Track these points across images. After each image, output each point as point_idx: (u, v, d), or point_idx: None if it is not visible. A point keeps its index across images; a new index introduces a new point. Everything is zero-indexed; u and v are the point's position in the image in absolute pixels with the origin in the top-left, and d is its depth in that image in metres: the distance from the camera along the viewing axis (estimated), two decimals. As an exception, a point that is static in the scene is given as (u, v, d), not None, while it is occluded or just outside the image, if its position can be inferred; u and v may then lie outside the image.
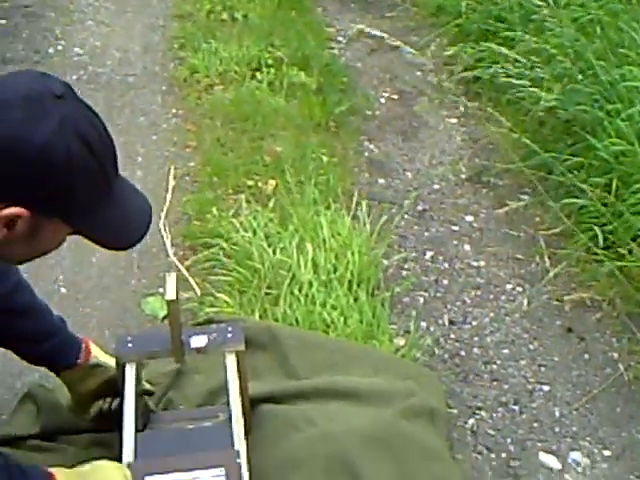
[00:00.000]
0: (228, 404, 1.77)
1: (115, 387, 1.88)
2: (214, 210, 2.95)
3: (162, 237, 2.88)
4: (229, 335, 1.87)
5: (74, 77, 3.94)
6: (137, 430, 1.69)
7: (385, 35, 4.63)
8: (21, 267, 2.64)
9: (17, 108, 1.30)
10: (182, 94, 3.87)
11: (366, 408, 2.07)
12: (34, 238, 1.40)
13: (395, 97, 4.04)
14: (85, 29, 4.47)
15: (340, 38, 4.62)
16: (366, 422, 2.00)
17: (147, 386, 2.02)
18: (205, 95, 3.83)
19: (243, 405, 1.77)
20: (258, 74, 3.95)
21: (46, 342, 1.88)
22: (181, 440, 1.73)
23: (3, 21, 4.43)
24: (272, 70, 3.96)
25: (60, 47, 4.24)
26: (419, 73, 4.28)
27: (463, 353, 2.52)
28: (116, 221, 1.46)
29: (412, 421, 2.05)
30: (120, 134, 3.48)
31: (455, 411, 2.30)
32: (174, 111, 3.74)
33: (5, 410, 2.16)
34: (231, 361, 1.84)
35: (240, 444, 1.63)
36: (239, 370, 1.83)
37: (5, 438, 1.99)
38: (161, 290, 2.62)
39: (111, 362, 1.91)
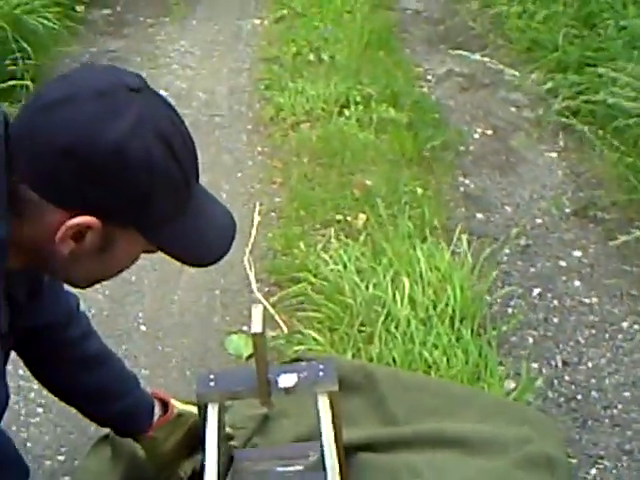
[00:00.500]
0: (321, 446, 1.56)
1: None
2: (301, 245, 2.79)
3: (246, 273, 2.73)
4: (321, 374, 1.67)
5: (159, 118, 3.85)
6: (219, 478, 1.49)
7: (477, 73, 4.46)
8: (99, 303, 2.58)
9: (88, 103, 1.12)
10: (268, 132, 3.76)
11: (477, 458, 1.83)
12: (106, 252, 1.20)
13: (489, 132, 3.85)
14: (171, 72, 4.42)
15: (429, 77, 4.48)
16: (478, 474, 1.77)
17: (229, 430, 1.83)
18: (291, 133, 3.71)
19: (338, 454, 1.55)
20: (346, 111, 3.81)
21: (117, 402, 1.70)
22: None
23: (89, 65, 4.39)
24: (360, 107, 3.82)
25: (146, 89, 4.16)
26: (514, 109, 4.09)
27: (580, 397, 2.28)
28: (197, 233, 1.26)
29: (529, 472, 1.80)
30: (205, 172, 3.30)
31: (575, 460, 2.05)
32: (260, 149, 3.62)
33: (79, 455, 2.02)
34: (323, 403, 1.63)
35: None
36: (332, 414, 1.61)
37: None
38: (245, 328, 2.47)
39: (193, 409, 1.73)
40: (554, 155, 3.64)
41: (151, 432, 1.72)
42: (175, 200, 1.20)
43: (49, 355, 1.64)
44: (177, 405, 1.78)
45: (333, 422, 1.60)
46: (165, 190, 1.17)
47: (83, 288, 1.34)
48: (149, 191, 1.15)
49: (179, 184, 1.19)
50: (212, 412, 1.63)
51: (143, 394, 1.74)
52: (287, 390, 1.65)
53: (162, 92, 3.96)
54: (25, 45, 3.92)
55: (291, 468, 1.59)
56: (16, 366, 1.67)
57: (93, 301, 2.56)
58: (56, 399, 2.16)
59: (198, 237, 1.26)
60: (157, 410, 1.74)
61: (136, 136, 1.12)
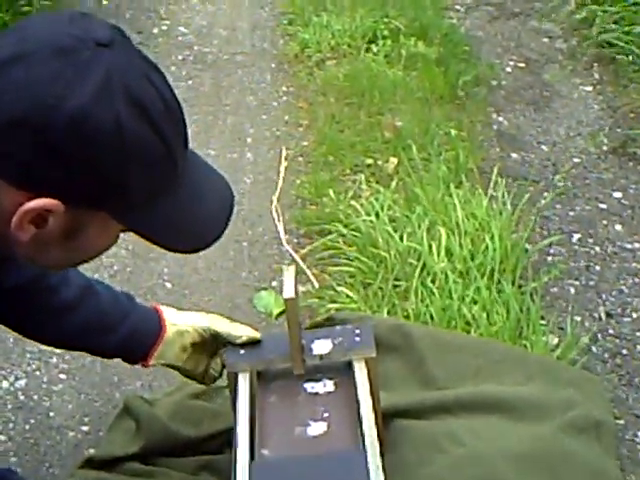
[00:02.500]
0: (359, 419, 1.48)
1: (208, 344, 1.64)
2: (331, 192, 2.68)
3: (275, 224, 2.63)
4: (357, 339, 1.59)
5: (179, 57, 3.75)
6: (252, 457, 1.42)
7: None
8: (122, 259, 2.50)
9: (44, 62, 0.94)
10: (293, 71, 3.63)
11: (521, 423, 1.75)
12: (73, 239, 1.05)
13: (522, 65, 3.71)
14: (190, 8, 4.27)
15: (458, 7, 4.30)
16: (522, 440, 1.69)
17: None
18: (317, 71, 3.57)
19: (376, 422, 1.47)
20: (373, 46, 3.67)
21: (110, 335, 1.57)
22: (305, 472, 1.43)
23: (105, 2, 4.26)
24: (388, 41, 3.68)
25: (164, 27, 4.05)
26: (546, 40, 3.93)
27: (625, 352, 2.18)
28: (185, 216, 1.10)
29: (575, 437, 1.73)
30: (228, 114, 3.28)
31: (622, 422, 1.96)
32: (284, 89, 3.50)
33: (103, 425, 1.95)
34: (360, 370, 1.55)
35: (377, 476, 1.34)
36: (370, 380, 1.53)
37: (102, 459, 1.76)
38: (274, 284, 2.38)
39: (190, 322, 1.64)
40: (589, 89, 3.49)
41: (151, 361, 1.62)
42: (154, 178, 1.04)
43: (29, 311, 1.51)
44: (176, 321, 1.64)
45: (371, 389, 1.53)
46: (140, 166, 1.00)
47: (54, 271, 1.22)
48: (120, 168, 0.99)
49: (159, 158, 1.02)
50: (243, 383, 1.56)
51: (136, 321, 1.60)
52: (322, 357, 1.58)
53: (182, 30, 3.89)
54: (41, -20, 3.80)
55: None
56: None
57: (116, 257, 2.48)
58: (80, 365, 2.13)
59: (187, 221, 1.11)
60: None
61: (102, 102, 0.95)
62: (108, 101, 0.95)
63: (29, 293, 1.48)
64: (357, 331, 1.60)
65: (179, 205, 1.08)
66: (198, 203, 1.12)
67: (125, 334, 1.58)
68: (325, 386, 1.57)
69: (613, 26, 3.70)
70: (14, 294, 1.42)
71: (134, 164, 0.99)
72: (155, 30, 4.01)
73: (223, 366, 1.68)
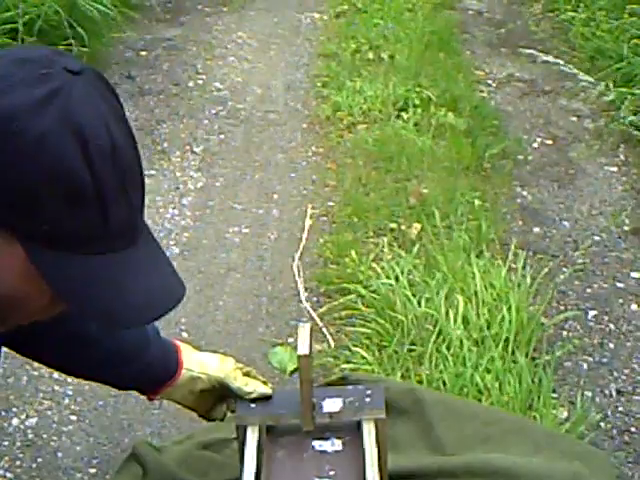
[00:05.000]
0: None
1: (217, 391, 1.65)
2: (353, 253, 2.73)
3: (295, 281, 2.67)
4: (367, 399, 1.60)
5: (213, 112, 3.84)
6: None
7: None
8: None
9: (1, 65, 0.90)
10: (323, 132, 3.70)
11: (526, 492, 1.76)
12: None
13: (549, 142, 3.77)
14: (227, 65, 4.38)
15: (489, 81, 4.40)
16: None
17: None
18: (347, 134, 3.65)
19: (382, 483, 1.48)
20: (404, 114, 3.75)
21: (131, 366, 1.57)
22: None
23: (144, 52, 4.38)
24: (419, 110, 3.77)
25: (200, 81, 4.14)
26: (574, 119, 4.00)
27: (634, 429, 2.19)
28: (102, 285, 0.96)
29: (580, 510, 1.73)
30: (257, 170, 3.35)
31: (627, 499, 1.97)
32: (314, 149, 3.57)
33: (111, 469, 1.96)
34: (369, 430, 1.57)
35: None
36: (378, 441, 1.55)
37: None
38: (291, 340, 2.41)
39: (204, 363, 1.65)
40: (614, 169, 3.54)
41: (157, 397, 1.63)
42: (76, 219, 0.91)
43: (50, 342, 1.49)
44: (191, 366, 1.64)
45: (379, 450, 1.54)
46: (60, 195, 0.89)
47: None
48: (34, 186, 0.88)
49: (83, 196, 0.91)
50: (251, 436, 1.57)
51: (153, 359, 1.58)
52: (331, 415, 1.59)
53: (217, 85, 4.00)
54: (80, 30, 3.91)
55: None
56: (50, 369, 1.63)
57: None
58: (91, 407, 2.15)
59: (105, 290, 0.97)
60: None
61: (37, 112, 0.88)
62: (43, 114, 0.88)
63: (50, 324, 1.48)
64: (368, 392, 1.62)
65: (103, 273, 0.96)
66: (126, 284, 0.98)
67: (139, 370, 1.59)
68: (333, 445, 1.58)
69: (640, 109, 3.77)
70: (34, 325, 1.42)
71: (51, 188, 0.89)
72: (191, 83, 4.11)
73: (225, 413, 1.71)
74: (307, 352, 1.47)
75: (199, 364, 1.66)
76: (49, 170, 0.88)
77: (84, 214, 0.92)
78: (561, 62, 4.44)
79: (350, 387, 1.67)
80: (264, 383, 1.64)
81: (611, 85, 4.09)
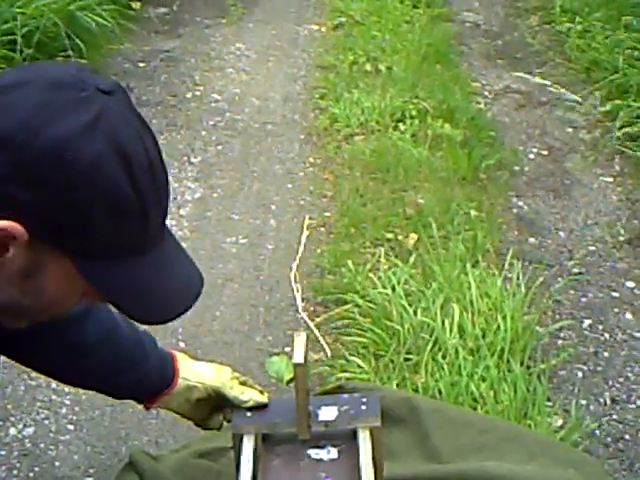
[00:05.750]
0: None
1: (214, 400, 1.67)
2: (349, 263, 2.74)
3: (292, 291, 2.69)
4: (363, 407, 1.61)
5: (211, 123, 3.86)
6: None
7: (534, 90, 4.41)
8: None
9: (38, 91, 0.94)
10: (321, 143, 3.73)
11: (520, 500, 1.77)
12: (29, 280, 1.00)
13: (545, 153, 3.80)
14: (225, 76, 4.41)
15: (486, 93, 4.44)
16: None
17: None
18: (345, 145, 3.67)
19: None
20: (401, 125, 3.78)
21: (127, 376, 1.60)
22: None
23: (142, 64, 4.41)
24: (416, 121, 3.79)
25: (198, 92, 4.17)
26: (570, 130, 4.03)
27: (627, 437, 2.21)
28: (148, 285, 1.06)
29: (574, 517, 1.74)
30: (254, 181, 3.37)
31: (621, 506, 1.99)
32: (311, 160, 3.59)
33: (108, 478, 1.96)
34: (364, 439, 1.58)
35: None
36: (373, 449, 1.56)
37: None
38: (288, 349, 2.42)
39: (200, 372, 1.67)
40: (609, 180, 3.57)
41: (153, 406, 1.65)
42: (122, 231, 1.00)
43: (47, 350, 1.51)
44: (188, 376, 1.66)
45: (374, 459, 1.56)
46: (109, 213, 0.97)
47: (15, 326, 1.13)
48: (87, 206, 0.95)
49: (130, 212, 0.98)
50: (247, 444, 1.58)
51: (150, 369, 1.62)
52: (327, 424, 1.61)
53: (215, 96, 4.03)
54: (78, 42, 3.94)
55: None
56: (48, 378, 1.64)
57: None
58: (88, 417, 2.16)
59: (147, 290, 1.07)
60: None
61: (86, 137, 0.93)
62: (92, 138, 0.94)
63: (48, 332, 1.46)
64: (363, 400, 1.62)
65: (144, 272, 1.05)
66: (166, 278, 1.09)
67: (136, 380, 1.61)
68: (329, 453, 1.59)
69: (636, 120, 3.79)
70: (33, 333, 1.37)
71: (102, 207, 0.96)
72: (189, 95, 4.13)
73: (222, 422, 1.73)
74: (302, 361, 1.48)
75: (195, 373, 1.68)
76: (101, 192, 0.95)
77: (128, 225, 1.00)
78: (548, 82, 4.47)
79: (346, 395, 1.68)
80: (260, 392, 1.66)
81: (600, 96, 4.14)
